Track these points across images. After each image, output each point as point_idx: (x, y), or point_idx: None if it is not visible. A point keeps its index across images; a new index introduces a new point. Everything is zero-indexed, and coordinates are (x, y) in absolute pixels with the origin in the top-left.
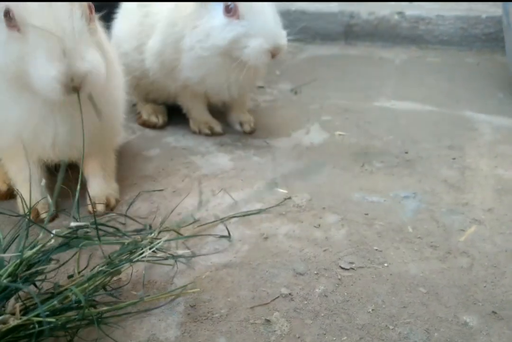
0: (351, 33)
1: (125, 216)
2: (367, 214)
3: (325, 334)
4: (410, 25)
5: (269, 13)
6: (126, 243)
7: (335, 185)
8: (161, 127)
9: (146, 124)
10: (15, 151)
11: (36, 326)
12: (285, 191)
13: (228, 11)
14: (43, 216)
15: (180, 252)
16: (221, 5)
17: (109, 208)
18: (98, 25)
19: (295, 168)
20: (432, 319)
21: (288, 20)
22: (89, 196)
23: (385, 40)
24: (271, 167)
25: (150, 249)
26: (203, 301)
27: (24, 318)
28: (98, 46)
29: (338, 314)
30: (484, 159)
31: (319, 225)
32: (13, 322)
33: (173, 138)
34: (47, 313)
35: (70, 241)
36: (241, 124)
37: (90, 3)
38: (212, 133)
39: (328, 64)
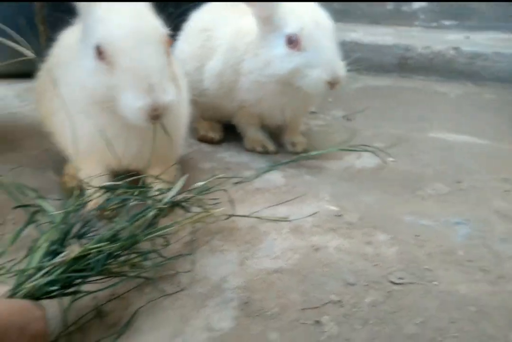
0: (406, 65)
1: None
2: (418, 236)
3: (373, 339)
4: (466, 60)
5: (329, 44)
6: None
7: (386, 207)
8: (217, 143)
9: (203, 139)
10: (90, 157)
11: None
12: (336, 208)
13: (290, 42)
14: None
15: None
16: (282, 35)
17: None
18: (173, 57)
19: (346, 189)
20: (481, 336)
21: (343, 50)
22: None
23: (440, 74)
24: (322, 186)
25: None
26: (256, 300)
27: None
28: (174, 77)
29: (386, 323)
30: None
31: (370, 242)
32: (73, 253)
33: (228, 154)
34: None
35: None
36: (293, 145)
37: (169, 37)
38: (266, 152)
39: (382, 94)
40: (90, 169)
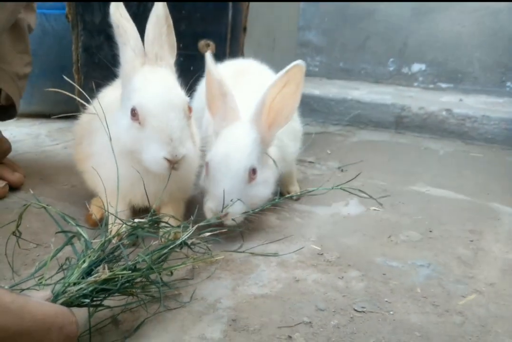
0: (401, 123)
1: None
2: (385, 274)
3: None
4: (457, 121)
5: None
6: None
7: (362, 249)
8: None
9: None
10: (113, 194)
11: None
12: (318, 248)
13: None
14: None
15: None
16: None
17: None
18: (193, 121)
19: (330, 232)
20: None
21: (344, 107)
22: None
23: (433, 132)
24: (310, 228)
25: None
26: (242, 318)
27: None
28: (192, 136)
29: (345, 341)
30: (499, 244)
31: (343, 277)
32: (104, 275)
33: None
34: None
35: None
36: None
37: (191, 106)
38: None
39: (377, 149)
40: (113, 203)
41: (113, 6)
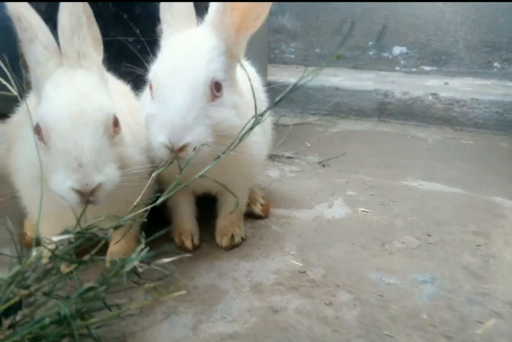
0: (385, 110)
1: None
2: (382, 296)
3: None
4: (444, 106)
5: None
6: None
7: (352, 262)
8: None
9: None
10: (43, 219)
11: None
12: (300, 264)
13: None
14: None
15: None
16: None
17: None
18: (123, 137)
19: (313, 241)
20: None
21: (323, 95)
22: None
23: (419, 119)
24: (289, 238)
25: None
26: None
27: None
28: (119, 156)
29: None
30: (511, 248)
31: (331, 303)
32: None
33: None
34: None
35: None
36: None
37: (117, 117)
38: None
39: (360, 139)
40: (47, 228)
41: None
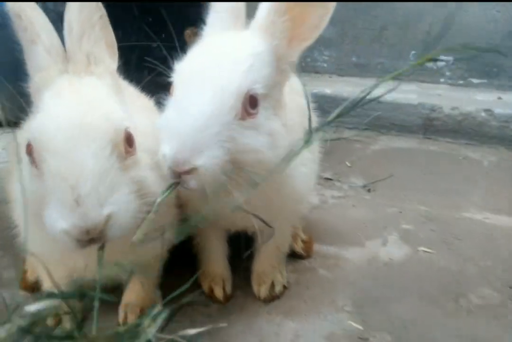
0: (431, 127)
1: None
2: None
3: None
4: (499, 124)
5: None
6: None
7: (424, 325)
8: None
9: None
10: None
11: None
12: (359, 327)
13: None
14: None
15: None
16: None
17: None
18: (139, 159)
19: (371, 292)
20: None
21: (362, 108)
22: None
23: (470, 138)
24: (341, 287)
25: None
26: None
27: None
28: (135, 182)
29: None
30: None
31: None
32: None
33: None
34: None
35: None
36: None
37: (131, 133)
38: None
39: (405, 159)
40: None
41: None
